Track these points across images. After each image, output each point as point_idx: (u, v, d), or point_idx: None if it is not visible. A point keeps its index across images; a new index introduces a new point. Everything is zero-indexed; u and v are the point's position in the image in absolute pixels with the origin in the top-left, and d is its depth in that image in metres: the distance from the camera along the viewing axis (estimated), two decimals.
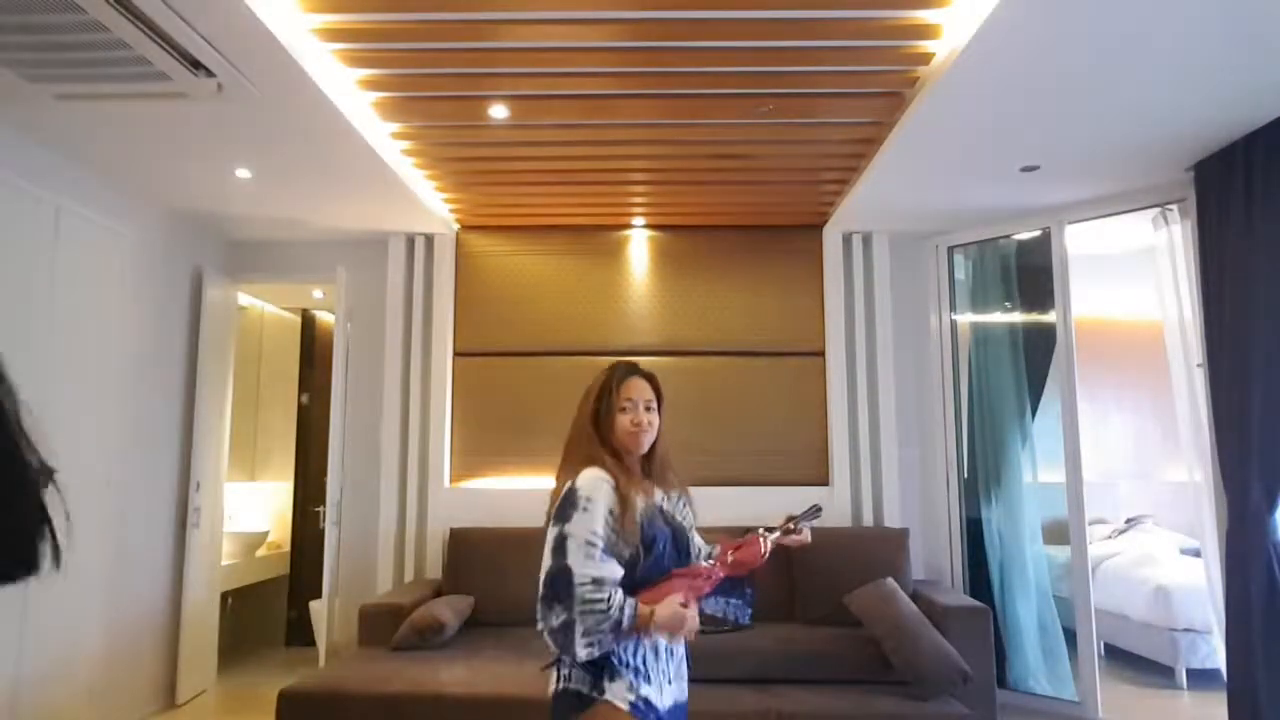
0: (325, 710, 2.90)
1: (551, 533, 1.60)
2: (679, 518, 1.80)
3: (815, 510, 1.93)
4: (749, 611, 1.91)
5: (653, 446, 1.82)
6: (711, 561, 1.76)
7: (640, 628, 1.56)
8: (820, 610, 3.68)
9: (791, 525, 1.87)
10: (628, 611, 1.54)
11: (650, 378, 1.85)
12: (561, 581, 1.53)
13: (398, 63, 2.74)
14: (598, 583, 1.54)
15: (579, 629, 1.50)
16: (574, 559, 1.55)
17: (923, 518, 4.33)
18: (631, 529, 1.63)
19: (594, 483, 1.66)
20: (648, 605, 1.58)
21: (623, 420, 1.77)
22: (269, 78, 2.56)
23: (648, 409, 1.79)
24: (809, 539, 1.89)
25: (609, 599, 1.53)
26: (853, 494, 4.23)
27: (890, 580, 3.56)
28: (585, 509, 1.61)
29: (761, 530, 1.83)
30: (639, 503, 1.68)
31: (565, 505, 1.62)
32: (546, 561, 1.58)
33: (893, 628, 3.23)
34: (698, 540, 1.86)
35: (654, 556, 1.66)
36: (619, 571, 1.59)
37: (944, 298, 4.44)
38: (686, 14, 2.45)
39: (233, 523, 4.89)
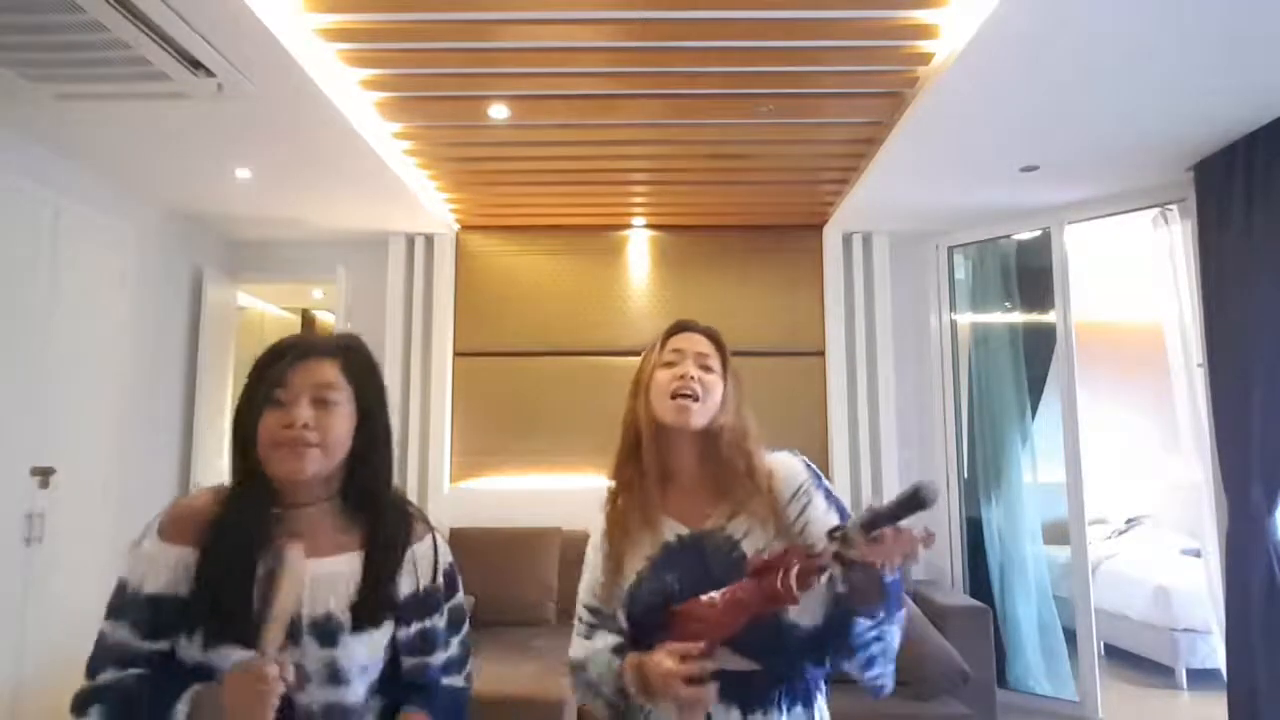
0: None
1: None
2: (732, 551, 1.18)
3: (916, 495, 1.01)
4: (886, 671, 1.18)
5: (715, 433, 1.24)
6: (715, 595, 1.11)
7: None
8: None
9: (860, 534, 1.02)
10: (608, 680, 1.18)
11: (711, 333, 1.34)
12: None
13: (399, 63, 2.74)
14: (577, 669, 1.24)
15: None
16: (574, 633, 1.30)
17: (923, 517, 4.31)
18: (614, 595, 1.21)
19: (593, 543, 1.31)
20: (634, 667, 1.15)
21: (662, 378, 1.25)
22: (269, 78, 2.56)
23: (703, 368, 1.26)
24: (913, 550, 1.03)
25: (592, 681, 1.21)
26: (853, 494, 4.23)
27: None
28: (586, 561, 1.31)
29: (812, 548, 1.11)
30: (633, 552, 1.20)
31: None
32: None
33: None
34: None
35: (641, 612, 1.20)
36: (607, 641, 1.23)
37: (944, 298, 4.44)
38: (686, 14, 2.45)
39: None
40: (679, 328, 1.34)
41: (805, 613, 1.15)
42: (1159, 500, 5.88)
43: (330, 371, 1.17)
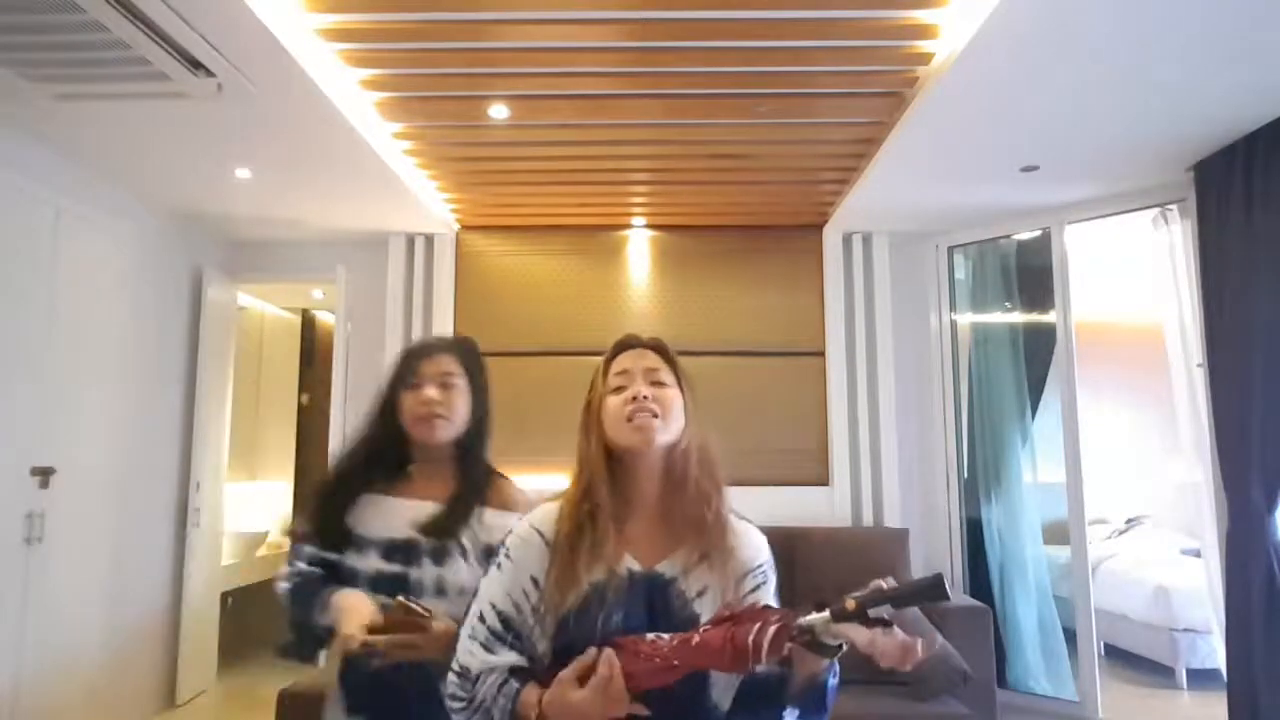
0: None
1: None
2: (677, 602, 1.10)
3: (936, 587, 0.91)
4: None
5: (680, 454, 1.16)
6: (664, 636, 0.99)
7: None
8: None
9: (855, 606, 0.94)
10: (500, 704, 1.05)
11: (657, 346, 1.25)
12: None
13: (399, 63, 2.74)
14: (462, 675, 1.10)
15: None
16: (463, 633, 1.14)
17: (923, 518, 4.32)
18: (553, 612, 1.09)
19: (528, 529, 1.16)
20: (538, 694, 1.03)
21: (612, 405, 1.16)
22: (269, 78, 2.56)
23: (655, 384, 1.17)
24: (916, 652, 0.93)
25: (471, 697, 1.09)
26: (853, 494, 4.23)
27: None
28: (499, 565, 1.16)
29: (785, 619, 0.95)
30: (578, 577, 1.09)
31: (501, 546, 1.19)
32: None
33: None
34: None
35: (568, 640, 1.07)
36: (508, 658, 1.09)
37: (944, 298, 4.44)
38: (686, 14, 2.45)
39: (233, 523, 4.88)
40: (620, 346, 1.25)
41: (726, 691, 1.07)
42: (1159, 500, 5.88)
43: (450, 363, 1.51)
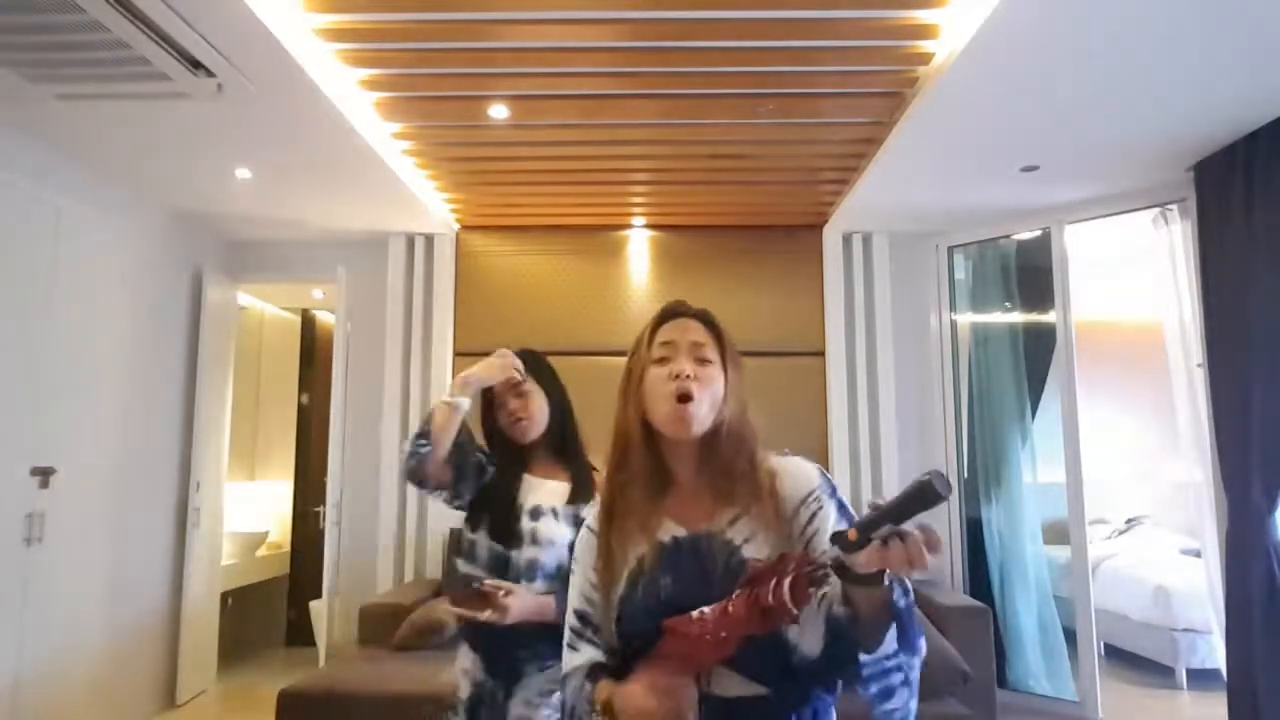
0: (325, 710, 2.90)
1: None
2: (731, 557, 1.06)
3: (927, 488, 0.87)
4: (906, 708, 0.99)
5: (716, 430, 1.12)
6: (706, 610, 0.97)
7: None
8: None
9: (855, 535, 0.89)
10: (582, 706, 1.07)
11: (704, 317, 1.21)
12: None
13: (398, 63, 2.74)
14: (564, 681, 1.15)
15: None
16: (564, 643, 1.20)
17: (923, 517, 4.31)
18: (605, 601, 1.12)
19: (584, 530, 1.22)
20: (609, 691, 1.04)
21: (655, 377, 1.13)
22: (269, 78, 2.56)
23: (699, 361, 1.13)
24: (919, 556, 0.87)
25: (565, 702, 1.14)
26: (853, 494, 4.22)
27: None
28: (572, 569, 1.21)
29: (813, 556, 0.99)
30: (626, 554, 1.11)
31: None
32: None
33: None
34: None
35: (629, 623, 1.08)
36: (586, 655, 1.13)
37: (944, 298, 4.44)
38: (686, 14, 2.45)
39: (233, 523, 4.88)
40: (668, 313, 1.20)
41: (807, 635, 1.01)
42: (1159, 500, 5.88)
43: (522, 378, 1.85)
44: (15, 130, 3.03)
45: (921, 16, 2.43)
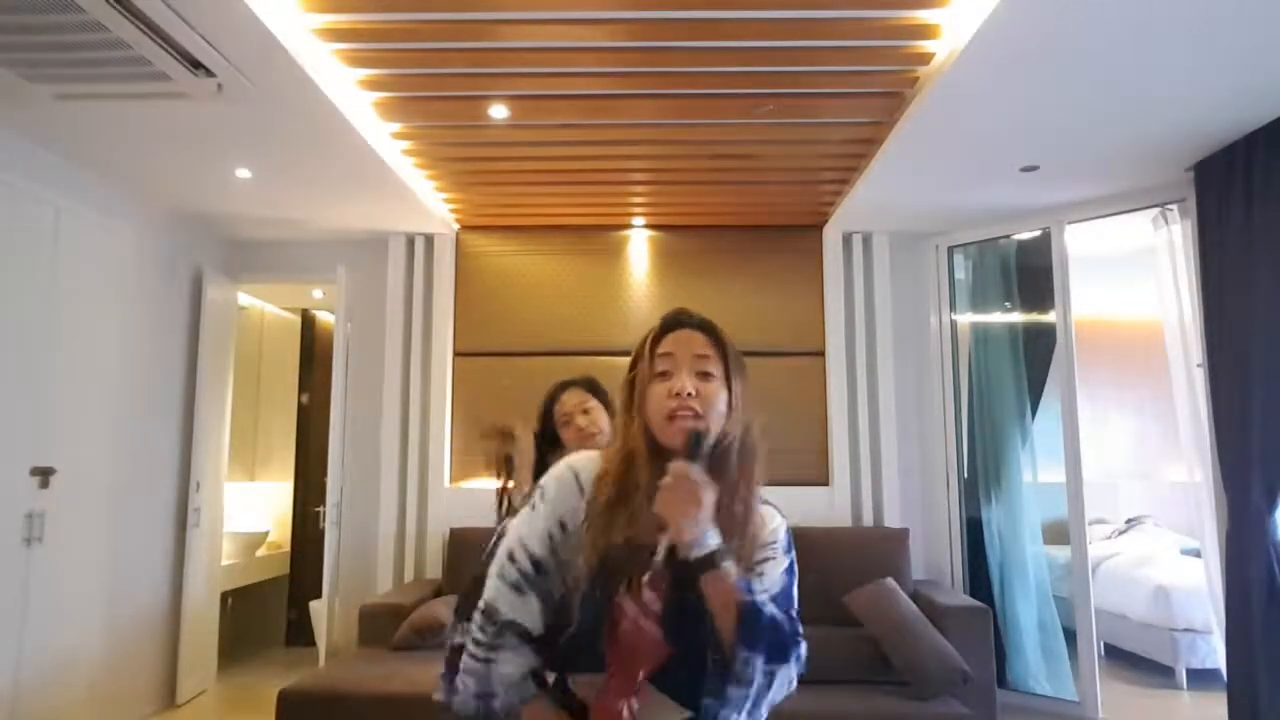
0: (325, 710, 2.90)
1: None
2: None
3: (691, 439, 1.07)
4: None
5: (721, 449, 1.13)
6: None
7: None
8: (820, 610, 3.67)
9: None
10: (507, 700, 1.09)
11: (707, 327, 1.19)
12: (474, 596, 1.19)
13: (398, 63, 2.74)
14: (488, 616, 1.13)
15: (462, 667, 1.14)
16: (491, 571, 1.16)
17: (923, 518, 4.32)
18: (586, 557, 1.10)
19: (566, 470, 1.19)
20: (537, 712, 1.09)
21: (656, 395, 1.12)
22: (269, 78, 2.56)
23: (702, 375, 1.13)
24: (687, 495, 1.03)
25: (488, 661, 1.10)
26: (853, 494, 4.23)
27: (890, 580, 3.57)
28: (534, 506, 1.18)
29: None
30: (616, 523, 1.10)
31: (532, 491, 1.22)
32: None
33: (892, 628, 3.23)
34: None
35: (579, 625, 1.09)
36: (532, 618, 1.11)
37: (944, 298, 4.44)
38: (686, 14, 2.45)
39: (233, 523, 4.88)
40: (670, 323, 1.19)
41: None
42: (1159, 500, 5.88)
43: (586, 398, 2.01)
44: (15, 130, 3.03)
45: (922, 16, 2.43)
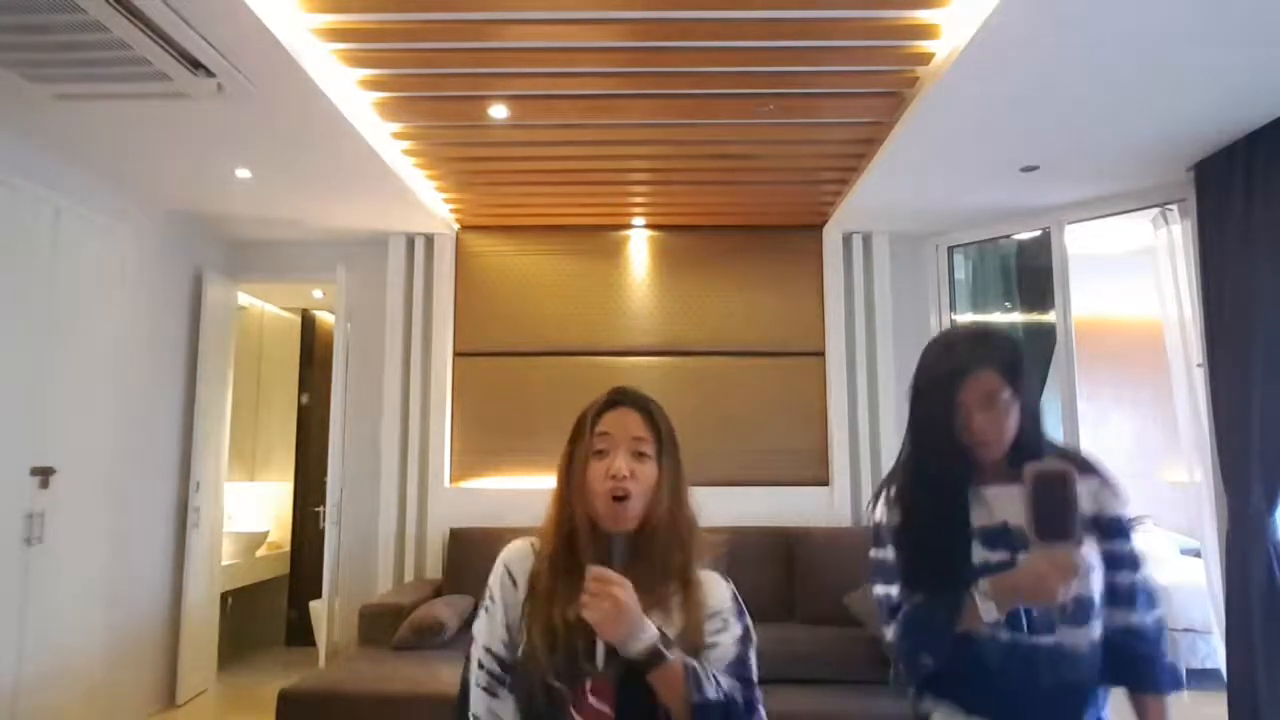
0: (325, 710, 2.91)
1: None
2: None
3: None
4: None
5: (646, 524, 1.17)
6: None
7: None
8: (820, 610, 3.68)
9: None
10: None
11: (646, 407, 1.22)
12: (463, 701, 1.18)
13: (398, 63, 2.74)
14: None
15: None
16: (471, 681, 1.18)
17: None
18: (533, 655, 1.12)
19: (500, 565, 1.22)
20: None
21: (594, 474, 1.17)
22: (269, 78, 2.56)
23: (637, 455, 1.18)
24: (591, 591, 1.09)
25: None
26: (853, 494, 4.23)
27: None
28: (487, 608, 1.19)
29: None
30: (559, 626, 1.11)
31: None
32: None
33: None
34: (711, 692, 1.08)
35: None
36: (511, 715, 1.14)
37: (944, 298, 4.44)
38: (686, 14, 2.45)
39: (233, 523, 4.88)
40: (609, 403, 1.22)
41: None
42: (1159, 500, 5.87)
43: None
44: (15, 130, 3.03)
45: (921, 16, 2.43)
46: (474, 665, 1.16)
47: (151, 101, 2.76)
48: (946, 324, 4.42)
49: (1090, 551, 1.31)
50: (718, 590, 1.21)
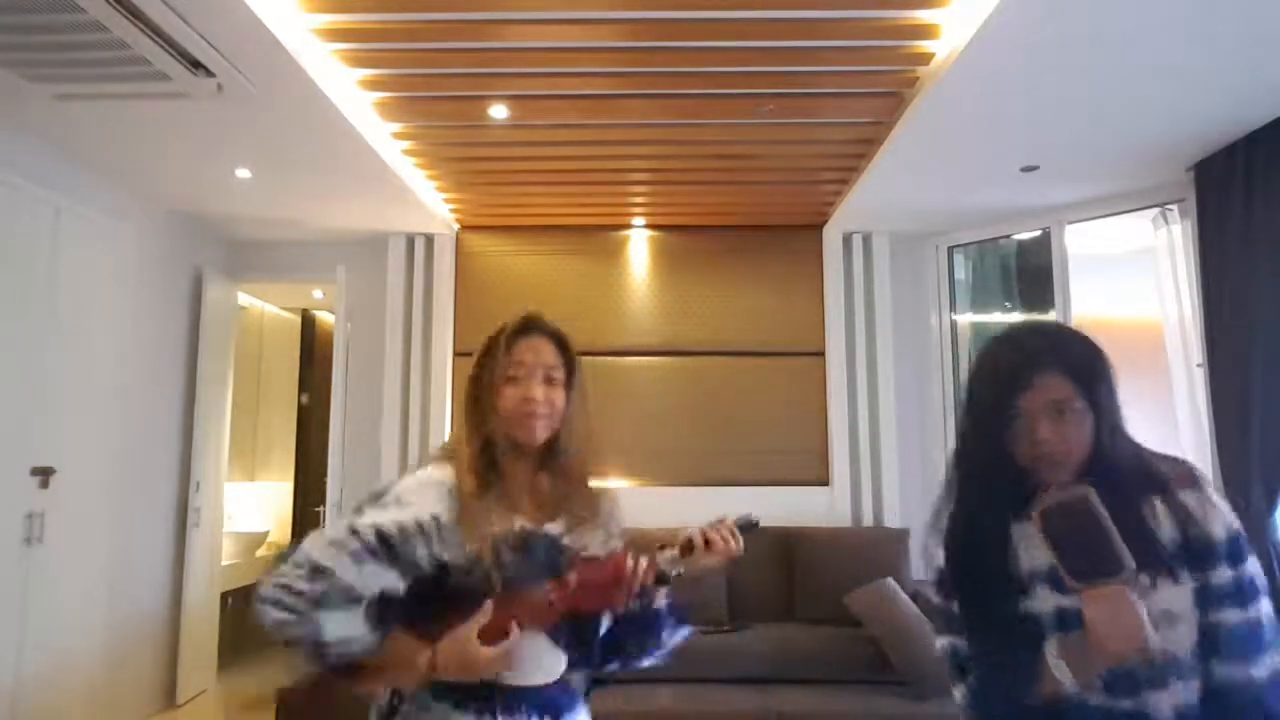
0: (325, 710, 2.90)
1: None
2: (565, 557, 1.21)
3: (748, 523, 1.32)
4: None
5: (554, 441, 1.27)
6: (549, 588, 1.16)
7: (400, 667, 1.17)
8: (820, 610, 3.67)
9: (696, 543, 1.23)
10: (362, 640, 1.12)
11: (557, 336, 1.34)
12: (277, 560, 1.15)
13: (398, 63, 2.74)
14: (317, 571, 1.10)
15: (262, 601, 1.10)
16: (319, 535, 1.14)
17: (923, 518, 4.31)
18: (475, 549, 1.14)
19: (422, 485, 1.20)
20: (410, 642, 1.14)
21: (509, 395, 1.24)
22: (269, 78, 2.56)
23: (549, 381, 1.27)
24: (735, 550, 1.26)
25: (310, 617, 1.09)
26: (853, 494, 4.23)
27: (890, 580, 3.56)
28: (384, 504, 1.17)
29: (654, 551, 1.23)
30: (487, 527, 1.16)
31: (363, 501, 1.20)
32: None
33: (893, 628, 3.23)
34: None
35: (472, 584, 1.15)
36: (364, 584, 1.10)
37: (944, 298, 4.44)
38: (686, 14, 2.45)
39: (233, 523, 4.88)
40: (523, 328, 1.30)
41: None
42: None
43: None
44: (15, 130, 3.03)
45: (921, 16, 2.43)
46: (341, 533, 1.12)
47: (151, 101, 2.76)
48: (947, 324, 4.43)
49: (1172, 593, 1.06)
50: (618, 500, 1.38)
